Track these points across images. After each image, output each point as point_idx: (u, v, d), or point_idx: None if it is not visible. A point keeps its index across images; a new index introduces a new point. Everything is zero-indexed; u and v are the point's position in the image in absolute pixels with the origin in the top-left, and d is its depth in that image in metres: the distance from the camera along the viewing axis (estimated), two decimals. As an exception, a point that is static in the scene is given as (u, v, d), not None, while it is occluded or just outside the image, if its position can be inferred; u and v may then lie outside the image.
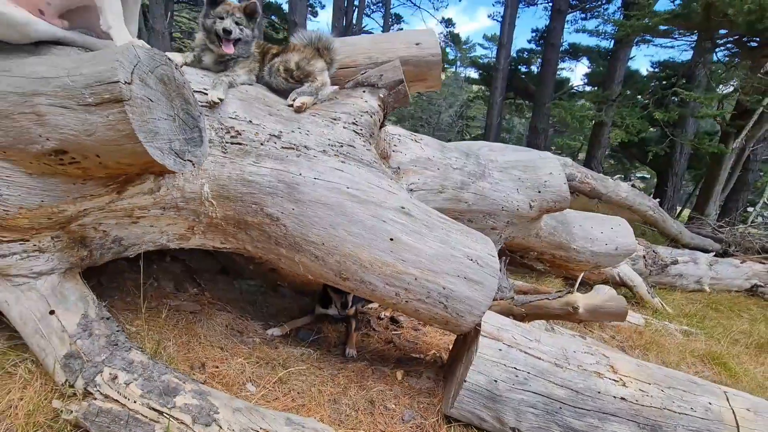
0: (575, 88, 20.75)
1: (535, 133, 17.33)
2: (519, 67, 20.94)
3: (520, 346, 1.64)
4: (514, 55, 20.60)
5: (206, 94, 1.58)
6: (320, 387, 1.76)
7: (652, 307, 4.05)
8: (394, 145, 2.21)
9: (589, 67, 20.92)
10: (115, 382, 1.27)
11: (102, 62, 0.97)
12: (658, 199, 6.48)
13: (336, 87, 1.97)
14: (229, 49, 1.70)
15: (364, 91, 1.88)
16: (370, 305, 2.75)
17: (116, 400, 1.24)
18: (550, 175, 2.54)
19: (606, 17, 17.95)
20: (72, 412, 1.21)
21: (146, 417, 1.23)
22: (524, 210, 2.55)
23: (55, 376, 1.29)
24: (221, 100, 1.60)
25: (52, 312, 1.26)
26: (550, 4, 22.39)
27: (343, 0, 20.54)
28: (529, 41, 23.98)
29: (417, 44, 2.16)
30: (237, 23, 1.70)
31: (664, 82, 12.18)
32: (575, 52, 20.56)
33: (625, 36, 9.57)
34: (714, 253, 5.74)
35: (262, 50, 1.94)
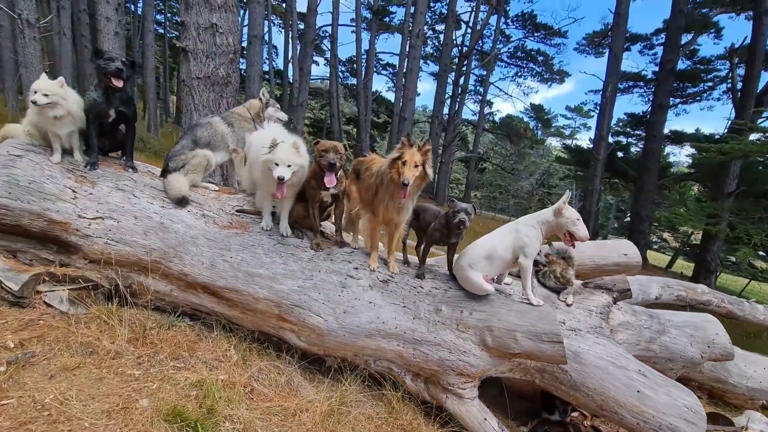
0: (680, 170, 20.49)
1: (639, 219, 17.45)
2: (616, 152, 21.42)
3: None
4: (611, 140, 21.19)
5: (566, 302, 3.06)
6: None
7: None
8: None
9: (695, 154, 20.71)
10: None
11: (549, 323, 2.45)
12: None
13: (580, 283, 3.36)
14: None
15: (602, 292, 3.24)
16: (573, 413, 3.89)
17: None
18: (717, 335, 3.60)
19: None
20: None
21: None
22: (696, 359, 3.61)
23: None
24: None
25: (485, 419, 2.68)
26: (650, 96, 23.06)
27: (443, 94, 23.33)
28: (624, 125, 24.55)
29: (625, 254, 3.51)
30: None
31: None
32: (678, 138, 20.64)
33: (729, 158, 9.98)
34: None
35: None
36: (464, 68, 22.53)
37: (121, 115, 3.00)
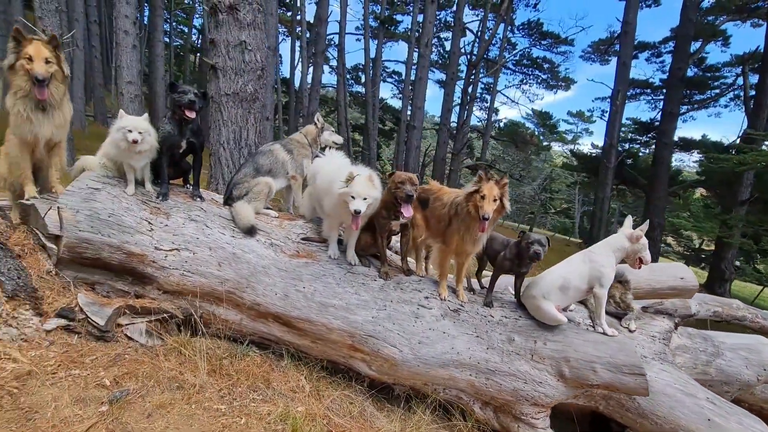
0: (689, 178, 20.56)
1: (651, 227, 17.41)
2: (625, 160, 21.48)
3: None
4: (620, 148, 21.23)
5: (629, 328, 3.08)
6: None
7: None
8: (665, 338, 3.51)
9: (703, 160, 20.79)
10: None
11: (630, 355, 2.47)
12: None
13: (639, 308, 3.38)
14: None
15: (663, 317, 3.26)
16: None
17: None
18: (772, 358, 3.61)
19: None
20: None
21: None
22: (752, 382, 3.61)
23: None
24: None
25: (560, 449, 2.70)
26: (657, 103, 23.17)
27: (450, 102, 23.41)
28: (627, 131, 24.63)
29: (681, 278, 3.53)
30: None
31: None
32: (687, 146, 20.71)
33: (748, 168, 10.04)
34: None
35: None
36: (472, 77, 22.63)
37: (191, 146, 3.04)
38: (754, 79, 16.39)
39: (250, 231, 3.01)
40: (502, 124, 30.57)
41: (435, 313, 2.84)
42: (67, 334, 2.41)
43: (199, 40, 34.11)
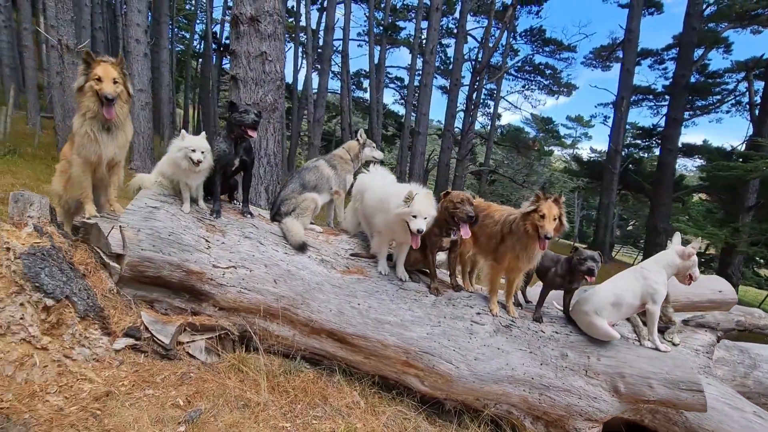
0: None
1: (656, 233, 17.58)
2: (628, 165, 21.62)
3: None
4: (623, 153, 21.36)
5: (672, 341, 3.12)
6: None
7: None
8: (704, 350, 3.56)
9: (705, 165, 20.97)
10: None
11: (687, 371, 2.51)
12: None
13: (680, 321, 3.42)
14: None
15: (705, 331, 3.31)
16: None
17: None
18: (809, 370, 3.66)
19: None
20: None
21: None
22: (790, 393, 3.66)
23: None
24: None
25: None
26: (659, 109, 23.38)
27: (454, 108, 23.50)
28: (633, 137, 24.84)
29: (720, 291, 3.59)
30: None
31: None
32: (690, 152, 20.88)
33: (756, 176, 10.15)
34: None
35: None
36: (476, 84, 22.80)
37: (243, 163, 3.09)
38: (758, 84, 16.58)
39: (302, 248, 3.05)
40: (504, 130, 30.75)
41: (488, 329, 2.88)
42: (135, 353, 2.44)
43: (201, 47, 34.29)
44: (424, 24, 25.11)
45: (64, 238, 2.62)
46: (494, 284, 2.99)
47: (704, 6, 17.43)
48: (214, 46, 28.96)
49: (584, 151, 39.94)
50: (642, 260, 3.71)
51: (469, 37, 25.44)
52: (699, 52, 19.82)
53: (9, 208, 2.56)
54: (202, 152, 2.68)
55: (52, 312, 2.20)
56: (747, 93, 18.81)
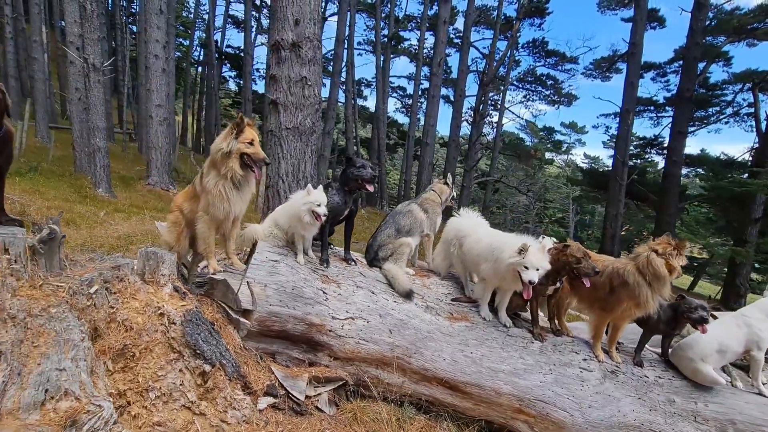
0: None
1: (663, 243, 17.88)
2: (633, 176, 21.98)
3: None
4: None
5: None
6: None
7: None
8: None
9: (704, 174, 21.47)
10: None
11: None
12: None
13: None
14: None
15: None
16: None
17: None
18: None
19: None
20: None
21: None
22: None
23: None
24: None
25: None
26: (660, 120, 23.88)
27: (459, 119, 23.73)
28: (635, 147, 25.32)
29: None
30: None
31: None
32: (692, 162, 21.34)
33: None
34: None
35: None
36: (483, 97, 23.10)
37: (351, 213, 3.15)
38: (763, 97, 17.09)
39: (409, 295, 3.12)
40: (507, 139, 31.13)
41: (596, 375, 2.97)
42: (274, 411, 2.48)
43: (200, 54, 34.19)
44: (428, 34, 25.43)
45: (192, 295, 2.65)
46: (599, 331, 3.08)
47: (707, 22, 17.94)
48: (215, 54, 28.96)
49: (578, 157, 40.55)
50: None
51: (472, 48, 25.79)
52: (700, 65, 20.38)
53: (138, 264, 2.59)
54: (319, 204, 2.73)
55: (209, 377, 2.24)
56: (747, 105, 19.40)
